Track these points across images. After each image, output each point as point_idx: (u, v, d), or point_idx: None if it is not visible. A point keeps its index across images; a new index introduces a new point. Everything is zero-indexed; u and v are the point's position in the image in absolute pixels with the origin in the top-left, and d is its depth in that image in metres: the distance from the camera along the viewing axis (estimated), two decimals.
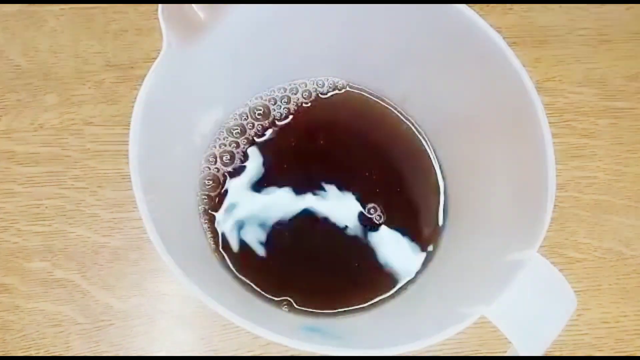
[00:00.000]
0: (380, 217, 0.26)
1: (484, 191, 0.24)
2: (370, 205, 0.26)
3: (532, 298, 0.18)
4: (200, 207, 0.26)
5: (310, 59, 0.27)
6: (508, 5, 0.36)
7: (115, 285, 0.29)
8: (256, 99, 0.28)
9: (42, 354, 0.28)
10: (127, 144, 0.31)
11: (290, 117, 0.28)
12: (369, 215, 0.26)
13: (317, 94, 0.28)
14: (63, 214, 0.30)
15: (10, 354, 0.28)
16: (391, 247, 0.26)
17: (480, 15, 0.21)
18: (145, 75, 0.32)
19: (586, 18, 0.36)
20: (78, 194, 0.30)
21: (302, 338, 0.18)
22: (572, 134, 0.33)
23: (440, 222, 0.26)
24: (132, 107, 0.32)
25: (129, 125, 0.32)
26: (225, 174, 0.26)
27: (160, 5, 0.20)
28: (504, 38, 0.21)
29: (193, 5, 0.21)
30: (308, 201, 0.26)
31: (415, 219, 0.27)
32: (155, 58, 0.33)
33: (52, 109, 0.32)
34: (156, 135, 0.20)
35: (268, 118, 0.28)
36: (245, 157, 0.27)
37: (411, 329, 0.20)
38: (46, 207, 0.30)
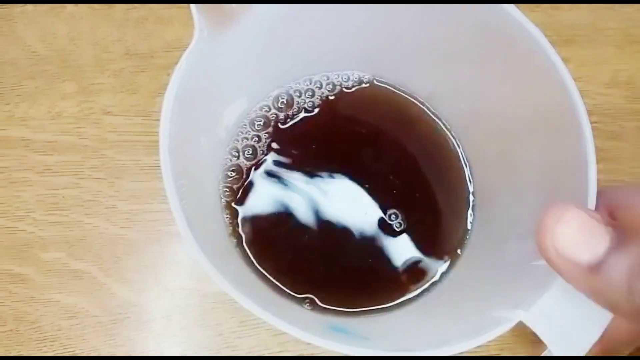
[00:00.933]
0: (401, 224, 0.25)
1: (516, 193, 0.23)
2: (392, 211, 0.26)
3: (570, 302, 0.17)
4: (222, 201, 0.25)
5: (335, 53, 0.27)
6: (534, 4, 0.35)
7: (132, 278, 0.29)
8: (280, 91, 0.27)
9: (56, 346, 0.28)
10: (146, 135, 0.31)
11: (315, 110, 0.27)
12: (390, 222, 0.26)
13: (342, 88, 0.28)
14: (80, 204, 0.30)
15: (24, 345, 0.28)
16: (414, 250, 0.25)
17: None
18: (165, 65, 0.32)
19: (613, 18, 0.35)
20: (95, 184, 0.30)
21: (332, 337, 0.18)
22: (598, 136, 0.32)
23: (469, 226, 0.26)
24: (152, 97, 0.31)
25: (148, 116, 0.31)
26: (248, 167, 0.26)
27: None
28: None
29: None
30: (331, 199, 0.26)
31: (441, 222, 0.26)
32: (176, 48, 0.32)
33: (70, 97, 0.31)
34: (184, 126, 0.20)
35: (291, 110, 0.27)
36: (268, 150, 0.26)
37: (443, 332, 0.20)
38: (63, 197, 0.30)
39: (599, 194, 0.19)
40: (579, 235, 0.15)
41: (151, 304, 0.28)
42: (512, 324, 0.17)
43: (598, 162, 0.19)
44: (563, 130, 0.20)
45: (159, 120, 0.31)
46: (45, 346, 0.28)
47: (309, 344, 0.28)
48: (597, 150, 0.33)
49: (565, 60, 0.34)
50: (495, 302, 0.20)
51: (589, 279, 0.16)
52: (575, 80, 0.33)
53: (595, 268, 0.15)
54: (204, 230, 0.21)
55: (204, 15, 0.20)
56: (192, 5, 0.19)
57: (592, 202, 0.19)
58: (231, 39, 0.21)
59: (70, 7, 0.33)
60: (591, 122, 0.33)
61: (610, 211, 0.18)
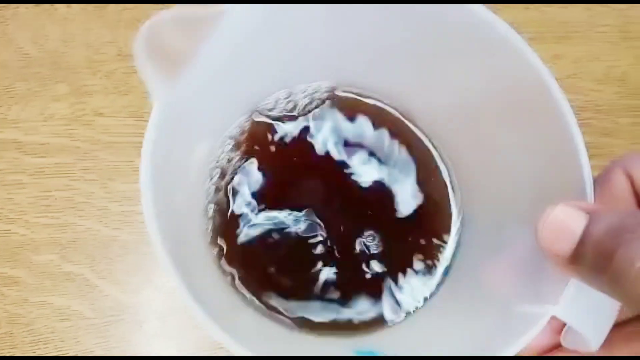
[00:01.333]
0: (377, 246, 0.25)
1: (505, 193, 0.23)
2: (368, 233, 0.25)
3: (589, 290, 0.17)
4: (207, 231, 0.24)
5: (295, 65, 0.25)
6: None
7: (125, 279, 0.29)
8: (243, 118, 0.25)
9: (50, 348, 0.28)
10: (139, 136, 0.31)
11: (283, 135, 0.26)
12: (367, 244, 0.25)
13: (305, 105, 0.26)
14: (72, 206, 0.30)
15: (17, 347, 0.28)
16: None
17: (497, 9, 0.20)
18: None
19: (608, 15, 0.35)
20: (88, 186, 0.30)
21: None
22: (591, 132, 0.32)
23: (456, 228, 0.25)
24: (144, 98, 0.31)
25: (140, 117, 0.31)
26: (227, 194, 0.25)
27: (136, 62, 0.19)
28: (522, 34, 0.20)
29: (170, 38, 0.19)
30: (309, 218, 0.24)
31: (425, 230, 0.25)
32: None
33: (62, 98, 0.31)
34: (162, 179, 0.19)
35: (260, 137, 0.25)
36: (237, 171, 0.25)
37: (471, 333, 0.20)
38: (55, 199, 0.30)
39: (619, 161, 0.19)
40: (556, 231, 0.16)
41: (144, 305, 0.28)
42: (545, 321, 0.17)
43: (591, 158, 0.19)
44: (542, 114, 0.20)
45: None
46: (39, 348, 0.28)
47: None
48: (591, 146, 0.32)
49: (558, 56, 0.34)
50: (519, 297, 0.19)
51: (576, 268, 0.16)
52: (568, 76, 0.34)
53: (574, 256, 0.16)
54: (190, 262, 0.20)
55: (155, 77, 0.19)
56: (141, 74, 0.18)
57: (590, 192, 0.18)
58: (186, 84, 0.20)
59: (62, 9, 0.33)
60: (584, 119, 0.33)
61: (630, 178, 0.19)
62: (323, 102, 0.26)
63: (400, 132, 0.26)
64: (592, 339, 0.17)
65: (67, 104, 0.31)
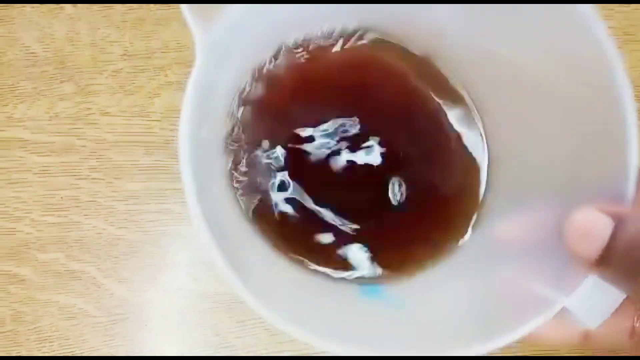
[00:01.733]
0: (404, 194, 0.24)
1: (539, 162, 0.22)
2: (399, 178, 0.25)
3: (606, 287, 0.17)
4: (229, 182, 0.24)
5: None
6: None
7: (130, 278, 0.29)
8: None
9: (55, 347, 0.28)
10: (144, 135, 0.31)
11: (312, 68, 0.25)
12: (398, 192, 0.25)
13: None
14: (78, 205, 0.30)
15: (22, 345, 0.28)
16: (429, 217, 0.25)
17: None
18: (163, 65, 0.32)
19: (611, 17, 0.35)
20: (94, 185, 0.30)
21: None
22: None
23: (481, 196, 0.25)
24: (149, 97, 0.32)
25: (146, 116, 0.31)
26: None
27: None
28: None
29: None
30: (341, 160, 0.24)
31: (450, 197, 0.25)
32: (174, 48, 0.32)
33: (68, 98, 0.31)
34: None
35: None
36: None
37: (480, 304, 0.20)
38: (61, 198, 0.30)
39: None
40: (582, 234, 0.16)
41: (149, 304, 0.28)
42: (555, 311, 0.17)
43: None
44: (601, 94, 0.18)
45: (156, 120, 0.31)
46: (44, 347, 0.28)
47: (307, 342, 0.28)
48: None
49: None
50: (534, 274, 0.19)
51: (603, 270, 0.16)
52: None
53: (601, 259, 0.16)
54: (220, 217, 0.20)
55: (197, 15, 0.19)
56: (184, 7, 0.19)
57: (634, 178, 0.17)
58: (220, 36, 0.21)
59: (68, 8, 0.33)
60: None
61: None
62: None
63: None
64: (592, 323, 0.17)
65: (73, 103, 0.31)
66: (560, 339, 0.19)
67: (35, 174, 0.30)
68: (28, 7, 0.33)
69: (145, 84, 0.32)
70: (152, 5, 0.33)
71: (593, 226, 0.16)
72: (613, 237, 0.16)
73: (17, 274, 0.29)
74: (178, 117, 0.31)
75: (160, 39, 0.32)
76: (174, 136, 0.30)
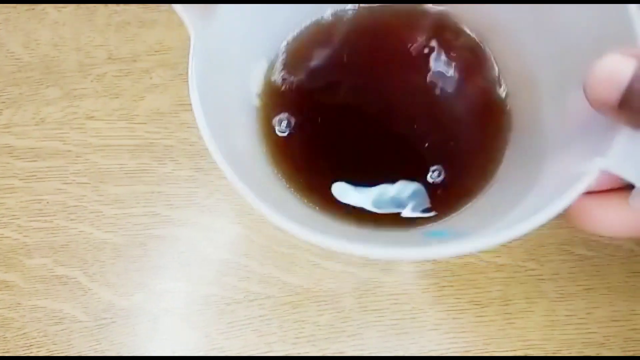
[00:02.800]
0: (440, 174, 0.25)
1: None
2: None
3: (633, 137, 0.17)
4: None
5: None
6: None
7: (117, 282, 0.29)
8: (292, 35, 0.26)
9: (43, 352, 0.28)
10: (130, 139, 0.31)
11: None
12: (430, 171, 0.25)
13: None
14: (64, 209, 0.30)
15: (10, 352, 0.28)
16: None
17: None
18: (148, 68, 0.32)
19: None
20: (80, 189, 0.30)
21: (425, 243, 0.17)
22: None
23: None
24: (134, 101, 0.32)
25: (131, 120, 0.31)
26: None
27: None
28: None
29: None
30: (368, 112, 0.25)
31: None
32: (159, 51, 0.32)
33: (54, 102, 0.31)
34: (214, 105, 0.20)
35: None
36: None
37: (530, 199, 0.19)
38: (47, 203, 0.30)
39: None
40: (603, 78, 0.16)
41: (137, 307, 0.28)
42: (594, 175, 0.17)
43: None
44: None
45: (142, 123, 0.31)
46: (31, 352, 0.28)
47: (295, 343, 0.28)
48: None
49: None
50: (571, 157, 0.19)
51: (625, 114, 0.16)
52: None
53: (623, 102, 0.16)
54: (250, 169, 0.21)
55: (189, 12, 0.20)
56: (176, 7, 0.19)
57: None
58: (221, 21, 0.21)
59: (53, 13, 0.33)
60: None
61: None
62: None
63: None
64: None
65: (59, 107, 0.31)
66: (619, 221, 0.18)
67: (22, 179, 0.30)
68: (13, 13, 0.33)
69: (129, 87, 0.32)
70: (135, 9, 0.33)
71: (615, 69, 0.16)
72: (635, 77, 0.15)
73: (4, 280, 0.29)
74: (163, 120, 0.31)
75: (144, 42, 0.32)
76: (159, 139, 0.31)
